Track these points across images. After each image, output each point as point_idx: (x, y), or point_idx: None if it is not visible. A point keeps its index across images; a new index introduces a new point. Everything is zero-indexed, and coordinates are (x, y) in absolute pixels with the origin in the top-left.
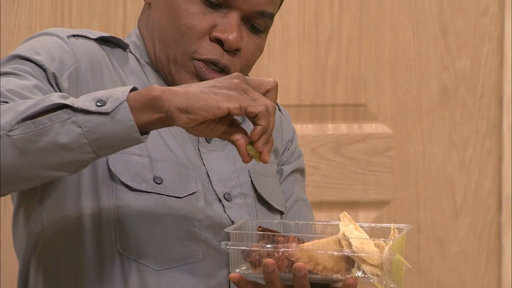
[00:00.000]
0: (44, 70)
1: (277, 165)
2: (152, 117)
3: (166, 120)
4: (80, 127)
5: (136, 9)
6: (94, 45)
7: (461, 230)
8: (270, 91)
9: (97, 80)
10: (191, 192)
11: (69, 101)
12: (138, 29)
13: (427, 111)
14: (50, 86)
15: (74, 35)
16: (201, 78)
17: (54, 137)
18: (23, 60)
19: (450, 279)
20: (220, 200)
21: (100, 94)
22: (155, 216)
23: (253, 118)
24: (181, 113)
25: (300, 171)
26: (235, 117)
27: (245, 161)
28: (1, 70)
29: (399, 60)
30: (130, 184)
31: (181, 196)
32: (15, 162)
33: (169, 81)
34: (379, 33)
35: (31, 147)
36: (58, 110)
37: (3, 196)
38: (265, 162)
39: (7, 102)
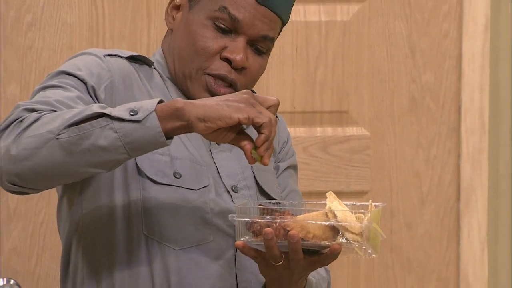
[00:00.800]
0: (85, 83)
1: (275, 162)
2: (175, 125)
3: (187, 127)
4: (116, 132)
5: (158, 33)
6: (125, 62)
7: (426, 215)
8: (272, 107)
9: (128, 91)
10: (204, 185)
11: (107, 111)
12: (162, 49)
13: (398, 117)
14: (90, 97)
15: (109, 54)
16: (210, 91)
17: (95, 140)
18: (67, 75)
19: (417, 256)
20: (228, 191)
21: (133, 105)
22: (174, 205)
23: (258, 128)
24: (200, 122)
25: (293, 167)
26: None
27: (250, 163)
28: (50, 83)
29: (375, 75)
30: (154, 178)
31: (196, 189)
32: (62, 161)
33: (185, 93)
34: (358, 52)
35: (76, 148)
36: (98, 118)
37: (51, 188)
38: (265, 165)
39: (55, 111)
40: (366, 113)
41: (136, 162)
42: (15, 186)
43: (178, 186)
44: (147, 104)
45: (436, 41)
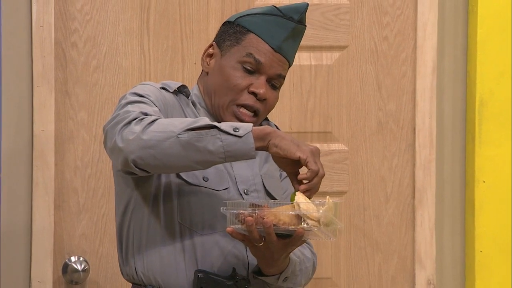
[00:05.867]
0: (154, 105)
1: (279, 170)
2: (259, 144)
3: (265, 148)
4: (222, 141)
5: (189, 73)
6: (171, 95)
7: (390, 209)
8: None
9: (169, 115)
10: (225, 187)
11: (217, 124)
12: (198, 86)
13: (369, 136)
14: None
15: (162, 88)
16: (238, 118)
17: (206, 145)
18: (141, 97)
19: (383, 240)
20: (241, 194)
21: (234, 124)
22: (202, 201)
23: (308, 169)
24: (273, 147)
25: None
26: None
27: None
28: (133, 99)
29: (352, 104)
30: (188, 180)
31: (219, 190)
32: (178, 154)
33: (218, 118)
34: (339, 88)
35: (190, 147)
36: (211, 128)
37: (158, 173)
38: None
39: (159, 117)
40: (345, 133)
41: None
42: (135, 168)
43: (206, 187)
44: (245, 125)
45: (397, 79)
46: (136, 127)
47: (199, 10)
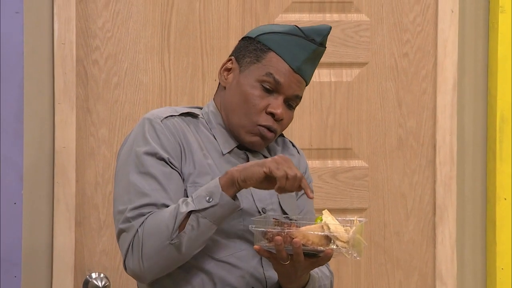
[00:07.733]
0: (163, 159)
1: None
2: (233, 191)
3: (241, 188)
4: (205, 218)
5: (210, 90)
6: (178, 120)
7: (410, 226)
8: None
9: (185, 141)
10: (240, 208)
11: (191, 207)
12: (214, 102)
13: (389, 152)
14: (169, 166)
15: (165, 117)
16: (262, 136)
17: (196, 233)
18: (148, 156)
19: (404, 257)
20: (259, 212)
21: (203, 192)
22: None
23: (275, 178)
24: (243, 182)
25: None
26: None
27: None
28: (139, 169)
29: (372, 121)
30: None
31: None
32: (180, 257)
33: (236, 137)
34: (359, 104)
35: (186, 244)
36: (189, 216)
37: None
38: (310, 198)
39: (154, 205)
40: (365, 150)
41: (186, 194)
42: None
43: None
44: (214, 188)
45: (417, 96)
46: (134, 259)
47: (219, 27)
